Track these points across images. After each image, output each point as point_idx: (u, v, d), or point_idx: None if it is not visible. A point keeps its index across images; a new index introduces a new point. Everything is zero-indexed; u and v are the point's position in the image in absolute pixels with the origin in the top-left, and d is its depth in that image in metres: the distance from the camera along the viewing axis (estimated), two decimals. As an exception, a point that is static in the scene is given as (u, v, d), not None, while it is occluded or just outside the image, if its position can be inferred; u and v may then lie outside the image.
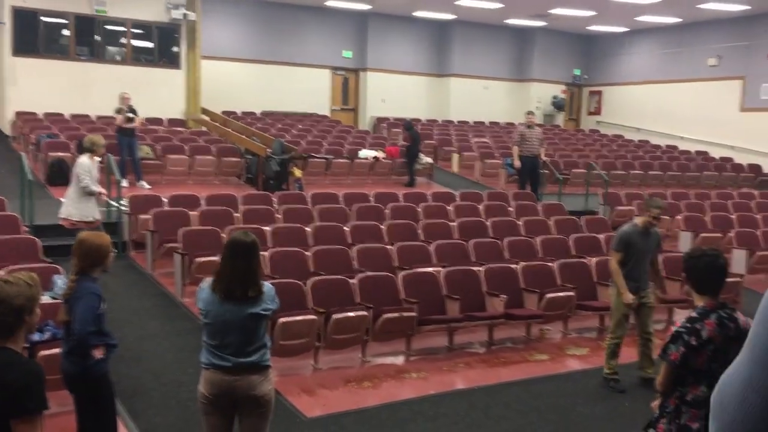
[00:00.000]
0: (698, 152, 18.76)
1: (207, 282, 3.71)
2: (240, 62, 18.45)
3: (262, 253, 7.49)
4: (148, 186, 12.00)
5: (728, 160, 18.13)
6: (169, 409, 5.47)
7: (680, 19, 19.27)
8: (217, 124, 15.84)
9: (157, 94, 15.59)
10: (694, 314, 3.32)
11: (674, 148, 19.24)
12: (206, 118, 16.44)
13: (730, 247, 10.31)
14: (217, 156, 13.38)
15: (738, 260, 9.94)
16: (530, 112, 13.34)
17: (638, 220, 6.43)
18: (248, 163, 13.38)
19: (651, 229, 6.37)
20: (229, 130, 15.03)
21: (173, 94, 16.14)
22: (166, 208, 9.42)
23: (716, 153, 18.67)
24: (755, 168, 17.60)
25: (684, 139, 19.74)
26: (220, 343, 3.60)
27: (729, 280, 8.03)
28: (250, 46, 18.69)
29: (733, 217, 12.00)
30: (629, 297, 6.19)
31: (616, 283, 6.31)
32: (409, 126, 15.00)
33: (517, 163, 12.81)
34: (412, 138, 14.47)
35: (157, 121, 15.48)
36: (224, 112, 16.97)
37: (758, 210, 12.64)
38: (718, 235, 10.96)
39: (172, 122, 15.81)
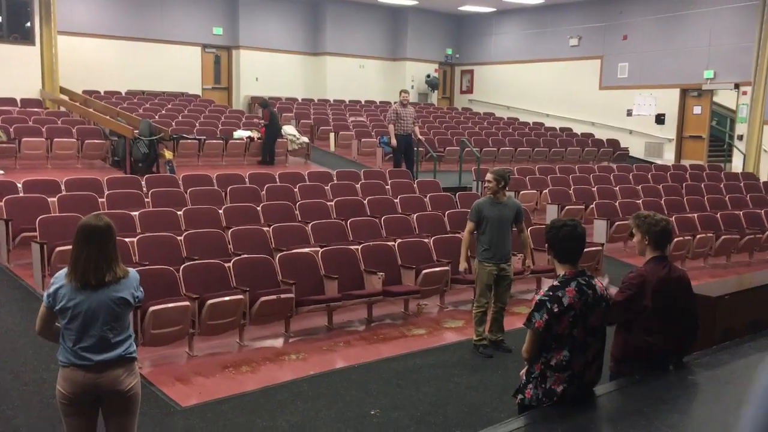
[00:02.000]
0: (563, 129, 19.74)
1: (61, 274, 3.46)
2: (102, 38, 17.36)
3: (129, 239, 7.20)
4: (0, 171, 11.12)
5: (589, 135, 19.20)
6: (30, 408, 5.11)
7: (543, 0, 20.10)
8: (77, 104, 14.88)
9: (8, 72, 14.47)
10: (556, 283, 3.47)
11: (541, 125, 20.14)
12: (65, 97, 15.40)
13: (591, 218, 10.96)
14: (79, 138, 12.58)
15: (599, 230, 10.57)
16: (405, 91, 13.43)
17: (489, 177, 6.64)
18: (114, 145, 12.69)
19: (504, 200, 6.59)
20: (91, 110, 14.16)
21: (27, 72, 14.99)
22: (21, 194, 8.76)
23: (579, 129, 19.72)
24: (613, 143, 18.76)
25: (549, 116, 20.70)
26: (81, 338, 3.36)
27: (591, 248, 8.58)
28: (113, 22, 17.62)
29: (594, 189, 12.74)
30: (463, 265, 6.68)
31: (461, 250, 6.73)
32: (264, 104, 14.88)
33: (394, 142, 12.92)
34: (270, 115, 14.26)
35: (9, 101, 14.33)
36: (85, 92, 15.97)
37: (616, 182, 13.49)
38: (581, 206, 11.60)
39: (27, 102, 14.69)
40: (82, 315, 3.35)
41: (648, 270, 3.92)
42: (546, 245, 3.62)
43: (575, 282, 3.43)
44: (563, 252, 3.51)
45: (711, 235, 10.65)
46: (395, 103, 14.24)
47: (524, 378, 3.55)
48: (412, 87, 21.77)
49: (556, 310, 3.35)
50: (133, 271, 3.54)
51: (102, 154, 12.84)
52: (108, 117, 13.43)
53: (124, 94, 17.04)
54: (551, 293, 3.40)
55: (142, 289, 3.56)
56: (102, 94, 16.48)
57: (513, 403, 3.66)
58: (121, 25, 17.70)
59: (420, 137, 13.55)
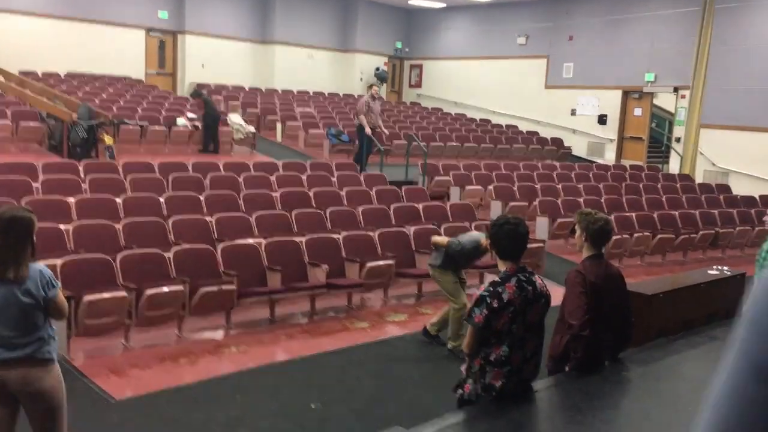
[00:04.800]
0: (509, 126, 19.98)
1: None
2: (40, 17, 16.73)
3: (64, 226, 6.96)
4: (-72, 153, 10.63)
5: (534, 134, 19.49)
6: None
7: (493, -1, 20.32)
8: (12, 85, 14.31)
9: (-62, 49, 13.80)
10: (496, 278, 3.49)
11: (488, 121, 20.34)
12: None
13: (534, 215, 11.12)
14: (14, 120, 12.10)
15: (541, 227, 10.75)
16: (375, 85, 13.70)
17: (484, 242, 6.15)
18: (51, 128, 12.25)
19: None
20: (27, 91, 13.64)
21: (-41, 49, 14.36)
22: (-50, 177, 8.38)
23: (524, 127, 20.00)
24: (557, 141, 19.09)
25: (496, 114, 20.94)
26: None
27: (533, 245, 8.69)
28: (51, 0, 17.00)
29: (538, 187, 12.94)
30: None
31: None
32: (196, 93, 14.82)
33: (368, 130, 13.04)
34: (204, 103, 14.05)
35: (-61, 79, 13.70)
36: (21, 72, 15.37)
37: (559, 180, 13.73)
38: (525, 203, 11.77)
39: (-41, 82, 14.07)
40: None
41: (585, 268, 4.00)
42: (488, 241, 3.63)
43: (515, 278, 3.46)
44: (504, 249, 3.54)
45: (648, 234, 10.95)
46: (360, 96, 14.37)
47: (464, 373, 3.57)
48: (361, 79, 21.71)
49: (495, 305, 3.37)
50: (35, 268, 3.30)
51: (38, 138, 12.38)
52: (45, 99, 12.96)
53: (63, 77, 16.47)
54: (492, 289, 3.42)
55: (54, 284, 3.35)
56: (40, 75, 15.90)
57: (452, 398, 3.68)
58: (61, 4, 17.06)
59: (385, 130, 13.76)
